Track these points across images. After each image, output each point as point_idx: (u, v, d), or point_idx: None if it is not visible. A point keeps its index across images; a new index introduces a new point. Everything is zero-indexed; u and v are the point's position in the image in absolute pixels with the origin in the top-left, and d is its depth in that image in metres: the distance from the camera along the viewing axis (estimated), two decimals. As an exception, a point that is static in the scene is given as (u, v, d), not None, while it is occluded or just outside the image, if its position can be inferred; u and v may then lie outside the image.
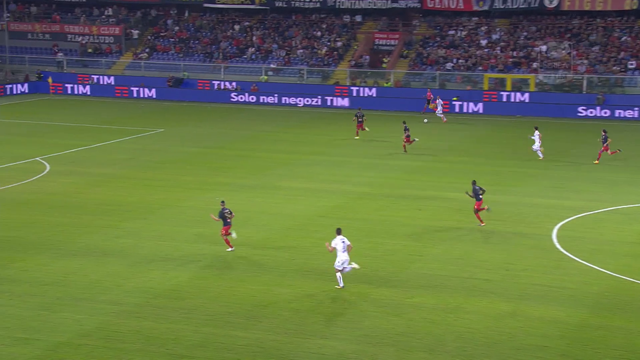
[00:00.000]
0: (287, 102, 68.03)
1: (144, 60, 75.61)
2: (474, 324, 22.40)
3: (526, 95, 65.10)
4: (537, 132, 44.82)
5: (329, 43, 75.14)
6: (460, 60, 70.38)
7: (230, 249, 28.60)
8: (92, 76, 73.62)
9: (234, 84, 70.79)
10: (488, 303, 23.88)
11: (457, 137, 51.80)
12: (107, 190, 37.39)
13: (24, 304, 23.20)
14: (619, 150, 44.32)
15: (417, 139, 46.02)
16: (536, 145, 44.73)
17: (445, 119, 58.75)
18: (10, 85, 71.40)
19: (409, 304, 23.83)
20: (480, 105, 64.48)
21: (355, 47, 74.79)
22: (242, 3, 77.33)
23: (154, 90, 70.74)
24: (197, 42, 77.60)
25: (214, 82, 71.54)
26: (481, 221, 31.86)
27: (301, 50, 74.44)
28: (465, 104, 64.68)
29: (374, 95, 67.66)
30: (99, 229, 31.02)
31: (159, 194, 36.81)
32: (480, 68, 69.37)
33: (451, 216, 33.46)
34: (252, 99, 68.75)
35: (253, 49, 75.45)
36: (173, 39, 78.18)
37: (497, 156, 46.02)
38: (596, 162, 43.88)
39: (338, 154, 46.19)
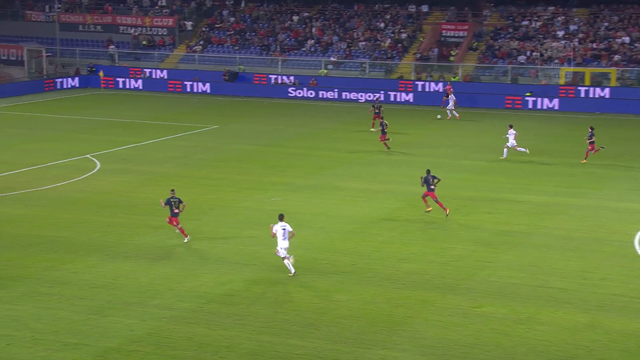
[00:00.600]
0: (348, 98, 68.06)
1: (198, 53, 76.44)
2: (547, 336, 22.10)
3: (606, 90, 63.95)
4: (511, 131, 44.42)
5: (392, 35, 74.94)
6: (534, 53, 69.50)
7: (185, 239, 29.71)
8: (144, 70, 74.68)
9: (291, 78, 71.10)
10: (563, 314, 23.54)
11: (529, 136, 51.19)
12: (158, 189, 37.84)
13: (73, 308, 23.66)
14: (602, 147, 43.71)
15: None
16: (510, 143, 44.33)
17: (457, 116, 57.60)
18: (60, 79, 72.90)
19: (477, 313, 23.63)
20: (555, 101, 63.59)
21: (421, 39, 74.44)
22: (300, -7, 77.71)
23: (207, 84, 71.48)
24: (253, 34, 78.17)
25: (270, 76, 71.95)
26: (428, 206, 33.40)
27: (363, 43, 74.40)
28: (539, 99, 63.84)
29: (441, 90, 67.26)
30: (150, 230, 31.46)
31: (212, 193, 37.18)
32: (556, 61, 68.39)
33: (523, 220, 33.07)
34: (311, 94, 68.94)
35: (312, 41, 75.68)
36: (228, 31, 78.88)
37: (574, 156, 45.31)
38: (584, 161, 43.49)
39: (402, 153, 46.00)
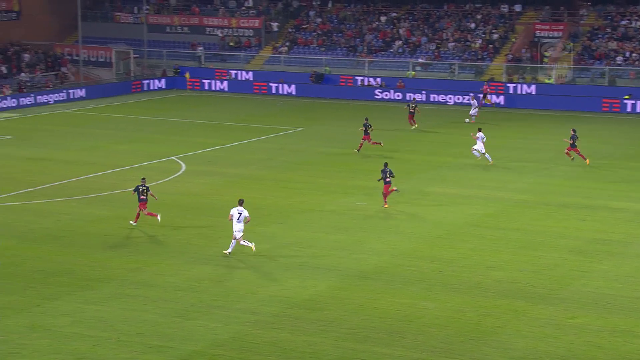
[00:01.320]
0: (436, 100, 67.59)
1: (283, 54, 77.03)
2: (645, 350, 21.52)
3: None
4: (480, 134, 43.48)
5: (483, 35, 74.12)
6: (634, 54, 67.78)
7: (133, 223, 31.90)
8: (230, 71, 75.63)
9: (378, 80, 71.01)
10: (662, 328, 22.88)
11: (627, 140, 49.93)
12: (243, 192, 38.21)
13: (158, 310, 24.09)
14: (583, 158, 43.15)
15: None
16: (478, 146, 43.37)
17: (472, 120, 56.37)
18: (147, 81, 74.42)
19: (571, 324, 23.15)
20: (656, 104, 61.90)
21: (513, 39, 73.40)
22: (390, -8, 77.50)
23: (293, 86, 71.95)
24: (340, 34, 78.37)
25: (357, 77, 71.97)
26: (385, 202, 34.91)
27: (453, 44, 73.80)
28: (638, 102, 62.21)
29: (533, 92, 66.22)
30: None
31: (297, 197, 37.38)
32: (656, 62, 66.60)
33: (620, 228, 32.27)
34: (398, 96, 68.70)
35: (400, 42, 75.45)
36: (315, 32, 79.27)
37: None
38: (587, 162, 42.96)
39: (493, 157, 45.43)
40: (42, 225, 32.38)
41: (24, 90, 66.16)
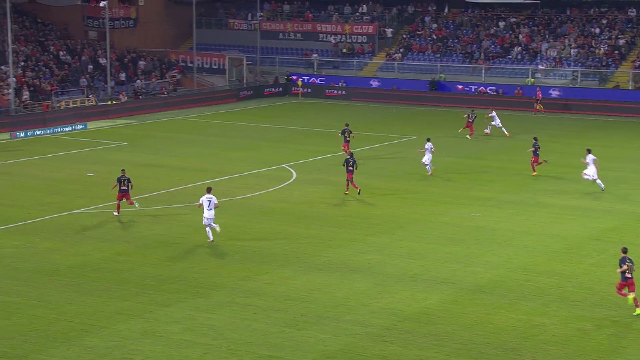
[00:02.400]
0: (556, 109, 66.24)
1: (397, 61, 76.96)
2: None
3: None
4: (429, 144, 42.91)
5: (609, 41, 72.25)
6: None
7: (116, 214, 34.36)
8: (343, 78, 76.02)
9: (494, 88, 70.11)
10: None
11: None
12: (353, 201, 38.41)
13: (268, 319, 24.40)
14: (545, 160, 43.58)
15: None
16: (425, 159, 42.91)
17: (487, 131, 55.34)
18: (259, 88, 75.53)
19: (699, 348, 22.31)
20: None
21: (641, 45, 71.38)
22: (510, -3, 76.45)
23: (407, 93, 71.75)
24: (456, 40, 77.77)
25: (472, 85, 71.26)
26: (347, 190, 38.29)
27: (575, 50, 72.22)
28: None
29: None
30: (345, 242, 31.95)
31: (408, 207, 37.26)
32: None
33: None
34: (516, 103, 67.69)
35: (519, 49, 74.32)
36: (430, 38, 78.90)
37: None
38: (534, 173, 42.89)
39: (617, 169, 44.22)
40: (155, 232, 33.26)
41: (139, 96, 68.17)
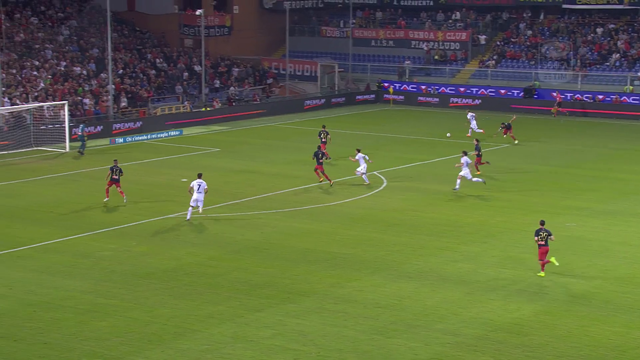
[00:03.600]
0: (656, 116, 64.58)
1: (491, 68, 76.10)
2: None
3: None
4: (360, 155, 42.36)
5: None
6: None
7: (106, 199, 37.59)
8: (434, 85, 75.59)
9: (589, 96, 68.69)
10: None
11: None
12: (444, 209, 38.14)
13: (358, 327, 24.38)
14: (487, 162, 44.86)
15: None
16: (360, 169, 42.33)
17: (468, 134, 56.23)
18: (351, 95, 75.66)
19: None
20: None
21: None
22: (608, 3, 74.71)
23: (501, 101, 70.88)
24: (552, 47, 76.41)
25: (567, 92, 69.95)
26: (319, 179, 41.67)
27: (675, 56, 70.20)
28: None
29: None
30: (435, 250, 31.72)
31: (501, 215, 36.79)
32: None
33: None
34: (614, 112, 66.15)
35: (617, 55, 72.62)
36: (524, 45, 77.78)
37: None
38: (478, 172, 43.76)
39: None
40: (247, 237, 33.62)
41: (233, 103, 69.06)
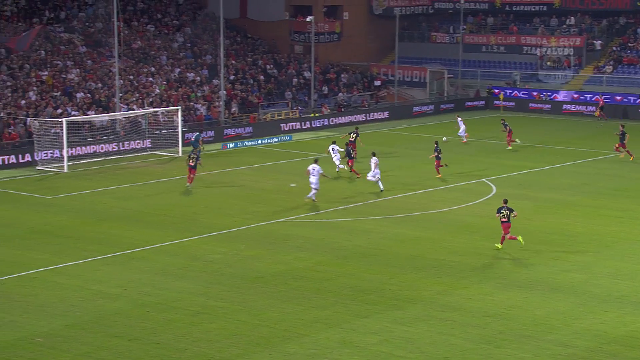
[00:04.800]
0: None
1: (606, 74, 74.19)
2: None
3: None
4: (374, 159, 42.00)
5: None
6: None
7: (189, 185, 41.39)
8: (546, 91, 74.19)
9: None
10: None
11: None
12: (555, 217, 37.37)
13: (465, 335, 24.10)
14: (446, 165, 45.80)
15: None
16: (371, 174, 42.07)
17: (464, 140, 56.95)
18: (460, 101, 74.96)
19: None
20: None
21: None
22: None
23: (618, 108, 69.05)
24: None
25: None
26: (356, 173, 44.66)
27: None
28: None
29: None
30: (546, 260, 31.12)
31: (615, 225, 35.84)
32: None
33: None
34: None
35: None
36: (642, 50, 75.61)
37: None
38: (438, 175, 45.36)
39: None
40: (354, 243, 33.66)
41: (342, 109, 69.30)
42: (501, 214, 31.91)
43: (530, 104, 73.54)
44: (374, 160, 42.50)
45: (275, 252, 32.25)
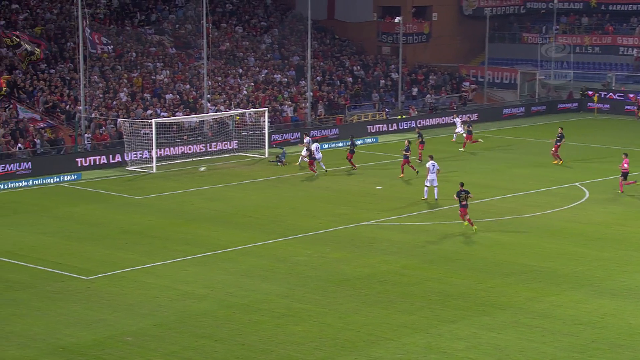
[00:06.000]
0: None
1: None
2: None
3: None
4: (431, 162, 40.53)
5: None
6: None
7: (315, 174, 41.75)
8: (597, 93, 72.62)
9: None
10: None
11: None
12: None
13: (557, 343, 23.68)
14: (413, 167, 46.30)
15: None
16: (430, 179, 40.47)
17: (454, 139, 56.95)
18: (552, 103, 73.70)
19: None
20: None
21: None
22: None
23: None
24: None
25: None
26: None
27: None
28: None
29: None
30: (642, 267, 30.41)
31: None
32: None
33: None
34: None
35: None
36: None
37: None
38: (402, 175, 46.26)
39: None
40: (441, 247, 33.43)
41: (433, 111, 68.85)
42: (460, 197, 34.43)
43: (626, 107, 71.78)
44: (430, 163, 40.80)
45: (360, 255, 32.24)
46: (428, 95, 71.81)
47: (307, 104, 61.93)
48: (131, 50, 63.23)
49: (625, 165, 42.46)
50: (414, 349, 23.36)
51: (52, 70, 57.42)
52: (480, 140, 55.63)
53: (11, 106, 51.88)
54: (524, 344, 23.57)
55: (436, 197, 40.52)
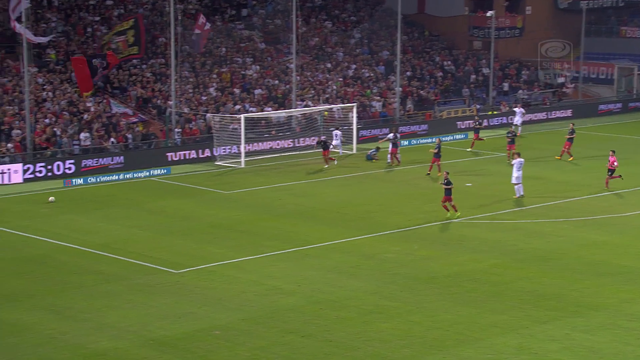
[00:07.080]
0: None
1: None
2: None
3: None
4: (517, 159, 39.88)
5: None
6: None
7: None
8: None
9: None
10: None
11: None
12: None
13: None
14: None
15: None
16: (516, 176, 39.90)
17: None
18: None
19: None
20: None
21: None
22: None
23: None
24: None
25: None
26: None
27: None
28: None
29: None
30: None
31: None
32: None
33: None
34: None
35: None
36: None
37: None
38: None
39: None
40: (532, 246, 32.98)
41: (529, 107, 67.82)
42: (450, 187, 36.29)
43: None
44: (517, 160, 40.40)
45: (449, 253, 32.05)
46: (520, 91, 70.78)
47: (396, 99, 61.74)
48: (221, 45, 64.03)
49: (615, 163, 41.65)
50: (504, 349, 23.12)
51: (144, 66, 58.58)
52: (483, 138, 54.14)
53: (104, 101, 53.15)
54: (620, 347, 23.10)
55: (522, 193, 40.14)
